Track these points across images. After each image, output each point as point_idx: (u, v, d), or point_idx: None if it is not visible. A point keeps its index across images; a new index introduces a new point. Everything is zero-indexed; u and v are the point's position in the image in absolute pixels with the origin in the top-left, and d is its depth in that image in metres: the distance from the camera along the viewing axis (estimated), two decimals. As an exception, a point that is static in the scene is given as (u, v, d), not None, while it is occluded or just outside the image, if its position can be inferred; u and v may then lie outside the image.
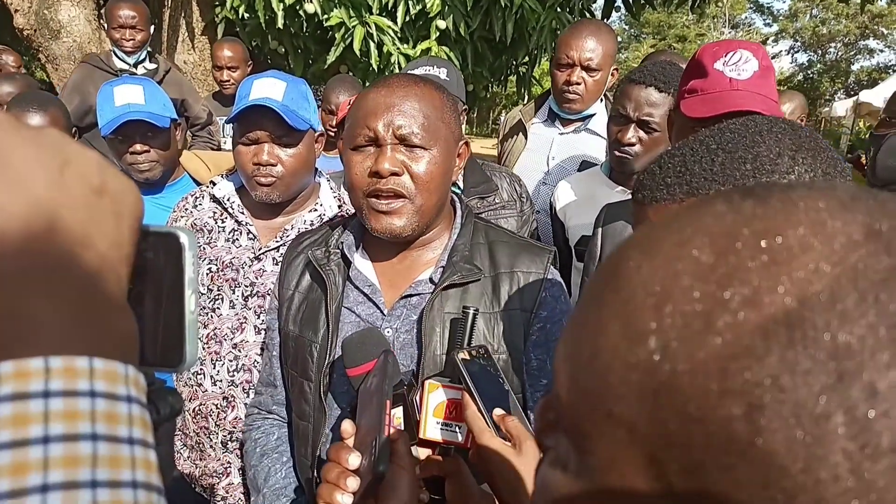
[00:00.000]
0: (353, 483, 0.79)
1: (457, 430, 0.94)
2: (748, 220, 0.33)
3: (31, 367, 0.31)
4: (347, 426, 0.89)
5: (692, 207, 0.37)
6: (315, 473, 1.25)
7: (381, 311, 1.23)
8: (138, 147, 2.04)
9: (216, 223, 1.68)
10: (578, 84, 2.45)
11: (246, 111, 1.55)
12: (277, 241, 1.64)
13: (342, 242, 1.28)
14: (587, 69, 2.44)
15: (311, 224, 1.67)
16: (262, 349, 1.59)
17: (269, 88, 1.59)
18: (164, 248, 0.42)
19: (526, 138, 2.63)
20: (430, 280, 1.23)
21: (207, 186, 1.74)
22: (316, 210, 1.71)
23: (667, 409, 0.31)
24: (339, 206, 1.76)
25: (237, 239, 1.66)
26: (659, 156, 0.85)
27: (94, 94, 3.39)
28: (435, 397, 0.95)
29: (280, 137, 1.59)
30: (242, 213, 1.67)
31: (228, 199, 1.68)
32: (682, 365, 0.31)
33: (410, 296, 1.23)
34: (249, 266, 1.63)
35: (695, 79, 1.47)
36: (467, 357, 0.92)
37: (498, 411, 0.88)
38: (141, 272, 0.41)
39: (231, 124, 1.65)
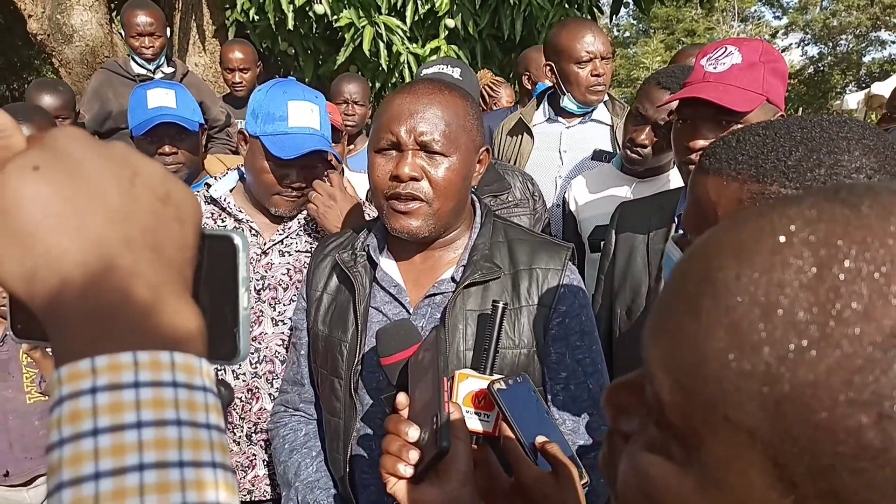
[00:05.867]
0: (415, 455, 0.82)
1: (485, 419, 0.96)
2: (844, 230, 0.34)
3: (122, 360, 0.35)
4: (402, 398, 0.91)
5: (775, 209, 0.37)
6: (348, 469, 1.28)
7: (407, 310, 1.28)
8: (167, 149, 2.10)
9: (215, 223, 1.71)
10: (603, 74, 2.52)
11: (288, 138, 1.60)
12: (281, 234, 1.70)
13: (368, 245, 1.33)
14: (604, 59, 2.52)
15: (308, 214, 1.72)
16: (282, 340, 1.63)
17: (307, 116, 1.63)
18: (220, 249, 0.45)
19: (532, 138, 2.65)
20: (453, 279, 1.27)
21: (202, 189, 1.78)
22: None
23: (791, 417, 0.33)
24: None
25: None
26: (742, 128, 0.83)
27: (112, 99, 3.44)
28: (465, 387, 0.97)
29: (313, 163, 1.66)
30: (241, 210, 1.71)
31: (225, 199, 1.72)
32: (804, 376, 0.33)
33: (434, 294, 1.27)
34: (257, 261, 1.67)
35: (689, 76, 1.51)
36: (503, 386, 0.93)
37: (539, 438, 0.89)
38: (199, 272, 0.44)
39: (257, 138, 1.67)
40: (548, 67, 2.59)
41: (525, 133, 2.67)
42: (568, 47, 2.52)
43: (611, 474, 0.49)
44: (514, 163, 2.66)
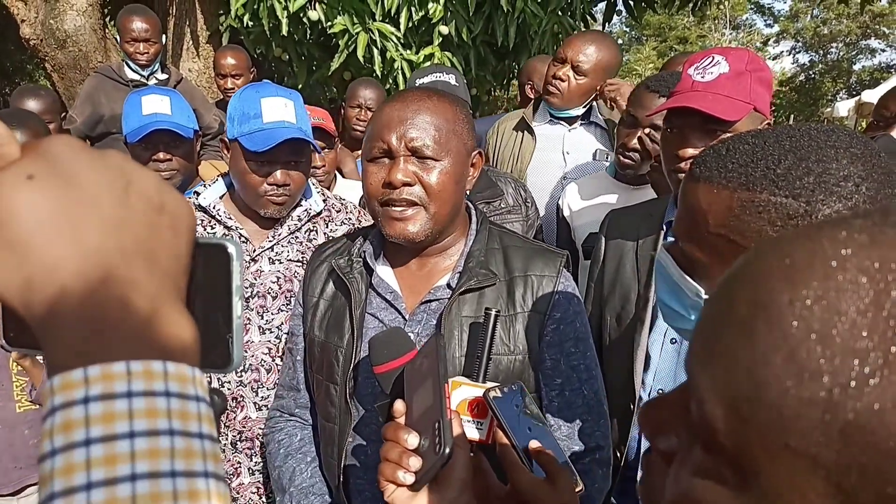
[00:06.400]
0: (416, 462, 0.81)
1: (479, 426, 0.96)
2: None
3: (114, 370, 0.36)
4: (399, 405, 0.90)
5: (824, 232, 0.37)
6: (342, 477, 1.29)
7: (403, 317, 1.28)
8: (161, 155, 2.10)
9: (205, 230, 1.71)
10: (562, 80, 2.55)
11: (263, 133, 1.58)
12: (270, 241, 1.69)
13: (364, 251, 1.33)
14: (575, 69, 2.54)
15: (299, 219, 1.73)
16: (268, 349, 1.63)
17: (281, 110, 1.62)
18: (214, 258, 0.46)
19: (534, 138, 2.68)
20: (448, 286, 1.28)
21: (192, 197, 1.78)
22: (301, 205, 1.75)
23: (857, 445, 0.33)
24: (325, 200, 1.80)
25: None
26: (732, 137, 0.84)
27: (105, 104, 3.43)
28: (458, 394, 0.98)
29: (295, 158, 1.64)
30: (230, 218, 1.71)
31: (214, 207, 1.72)
32: (868, 404, 0.32)
33: (430, 301, 1.28)
34: (246, 268, 1.66)
35: (677, 85, 1.52)
36: (499, 395, 0.93)
37: (534, 443, 0.89)
38: (193, 281, 0.44)
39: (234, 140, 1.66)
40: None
41: (526, 132, 2.70)
42: (561, 46, 2.60)
43: (650, 495, 0.49)
44: (515, 162, 2.68)
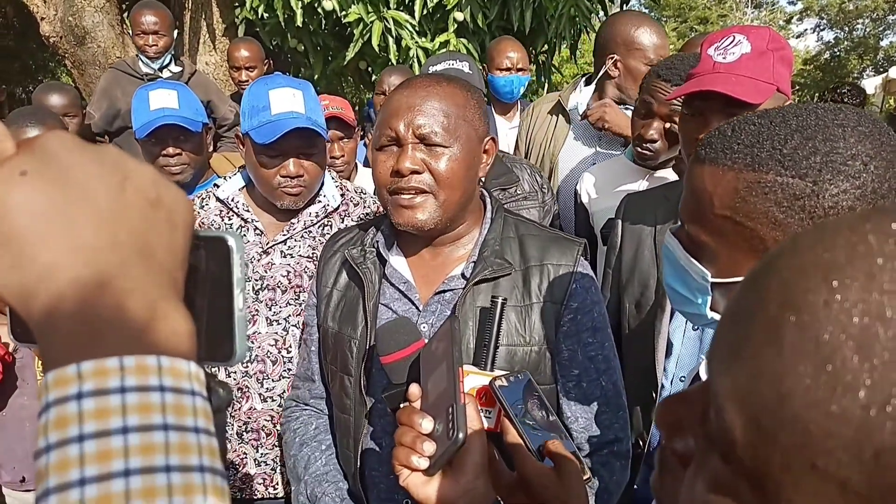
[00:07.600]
0: (430, 447, 0.81)
1: (487, 415, 0.95)
2: None
3: (108, 365, 0.35)
4: (415, 389, 0.89)
5: (870, 222, 0.33)
6: (359, 465, 1.29)
7: (417, 307, 1.27)
8: (171, 150, 2.11)
9: (223, 221, 1.72)
10: None
11: (271, 125, 1.58)
12: (284, 235, 1.69)
13: (377, 241, 1.32)
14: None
15: (316, 215, 1.72)
16: (275, 341, 1.65)
17: (290, 101, 1.61)
18: (214, 251, 0.45)
19: (568, 122, 2.65)
20: (462, 275, 1.26)
21: (212, 188, 1.79)
22: (320, 201, 1.75)
23: (894, 471, 0.29)
24: (343, 195, 1.79)
25: (244, 235, 1.70)
26: (737, 118, 0.83)
27: (121, 98, 3.47)
28: (467, 383, 0.97)
29: (307, 149, 1.63)
30: (248, 210, 1.71)
31: (232, 200, 1.73)
32: None
33: (444, 291, 1.27)
34: (258, 260, 1.67)
35: (695, 66, 1.48)
36: (505, 383, 0.92)
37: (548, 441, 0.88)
38: (193, 274, 0.44)
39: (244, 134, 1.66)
40: (611, 60, 2.49)
41: (562, 115, 2.66)
42: (643, 46, 2.45)
43: (663, 496, 0.46)
44: (548, 145, 2.65)
